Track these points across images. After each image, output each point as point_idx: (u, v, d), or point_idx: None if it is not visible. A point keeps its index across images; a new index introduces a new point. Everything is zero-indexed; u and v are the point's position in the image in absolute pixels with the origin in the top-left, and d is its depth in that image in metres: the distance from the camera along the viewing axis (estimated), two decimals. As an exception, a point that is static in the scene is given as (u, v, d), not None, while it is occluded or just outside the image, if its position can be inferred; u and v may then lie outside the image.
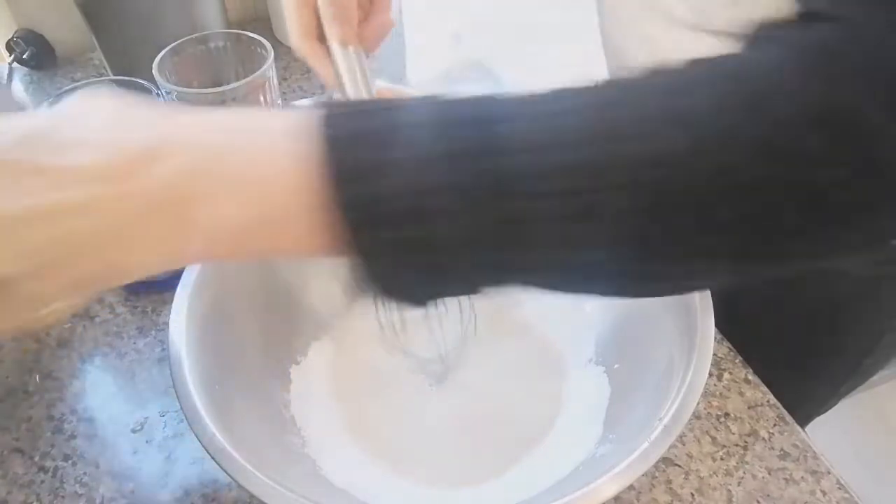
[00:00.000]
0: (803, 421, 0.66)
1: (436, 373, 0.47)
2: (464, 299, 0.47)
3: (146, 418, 0.49)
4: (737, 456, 0.46)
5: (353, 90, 0.39)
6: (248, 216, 0.24)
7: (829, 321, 0.55)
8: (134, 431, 0.49)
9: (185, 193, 0.24)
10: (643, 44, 0.52)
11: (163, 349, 0.54)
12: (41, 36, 0.82)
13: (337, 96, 0.40)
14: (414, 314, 0.47)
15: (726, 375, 0.51)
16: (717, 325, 0.39)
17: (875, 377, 0.64)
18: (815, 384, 0.62)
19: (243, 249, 0.26)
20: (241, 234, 0.25)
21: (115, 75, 0.74)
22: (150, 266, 0.26)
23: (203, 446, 0.34)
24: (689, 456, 0.46)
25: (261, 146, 0.25)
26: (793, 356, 0.59)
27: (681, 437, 0.47)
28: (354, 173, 0.23)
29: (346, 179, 0.23)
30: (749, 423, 0.48)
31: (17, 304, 0.24)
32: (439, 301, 0.28)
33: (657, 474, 0.45)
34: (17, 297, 0.24)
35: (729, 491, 0.45)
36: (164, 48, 0.57)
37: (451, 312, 0.47)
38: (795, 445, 0.47)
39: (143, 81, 0.52)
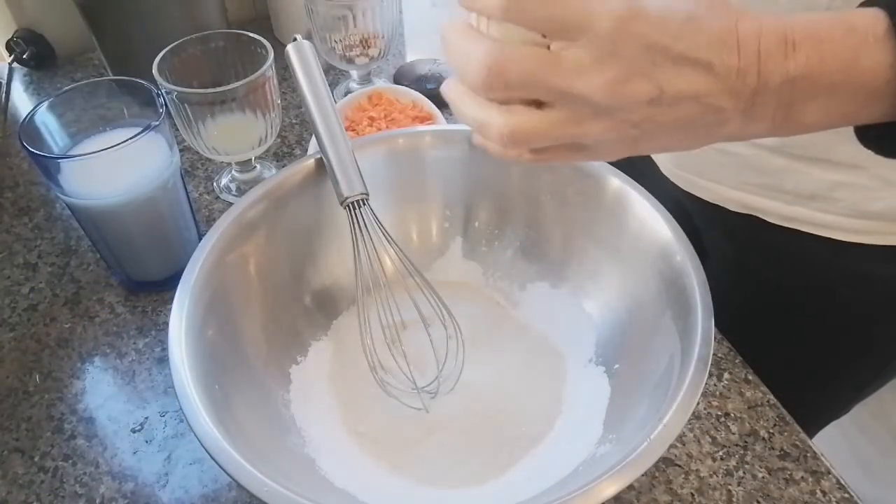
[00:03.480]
0: (821, 425, 0.66)
1: (429, 394, 0.47)
2: (449, 323, 0.47)
3: (146, 418, 0.49)
4: (737, 456, 0.46)
5: None
6: (843, 112, 0.29)
7: (859, 325, 0.55)
8: (134, 431, 0.49)
9: (790, 96, 0.28)
10: None
11: (163, 349, 0.54)
12: (41, 36, 0.82)
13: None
14: (406, 343, 0.48)
15: (726, 375, 0.51)
16: (716, 324, 0.39)
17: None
18: (838, 389, 0.62)
19: (813, 130, 0.30)
20: (826, 125, 0.29)
21: (115, 75, 0.74)
22: (708, 143, 0.31)
23: (203, 446, 0.34)
24: (689, 456, 0.46)
25: (849, 48, 0.27)
26: (816, 361, 0.59)
27: (681, 437, 0.47)
28: None
29: None
30: (749, 423, 0.48)
31: (599, 132, 0.29)
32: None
33: (657, 474, 0.45)
34: (605, 128, 0.29)
35: (729, 491, 0.45)
36: (164, 48, 0.57)
37: (437, 338, 0.47)
38: (795, 445, 0.47)
39: (143, 81, 0.52)
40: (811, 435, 0.49)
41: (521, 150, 0.31)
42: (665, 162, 0.60)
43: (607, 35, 0.26)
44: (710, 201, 0.57)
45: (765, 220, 0.53)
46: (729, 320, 0.50)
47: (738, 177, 0.53)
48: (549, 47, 0.28)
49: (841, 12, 0.29)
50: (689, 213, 0.60)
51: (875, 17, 0.28)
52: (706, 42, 0.27)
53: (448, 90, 0.32)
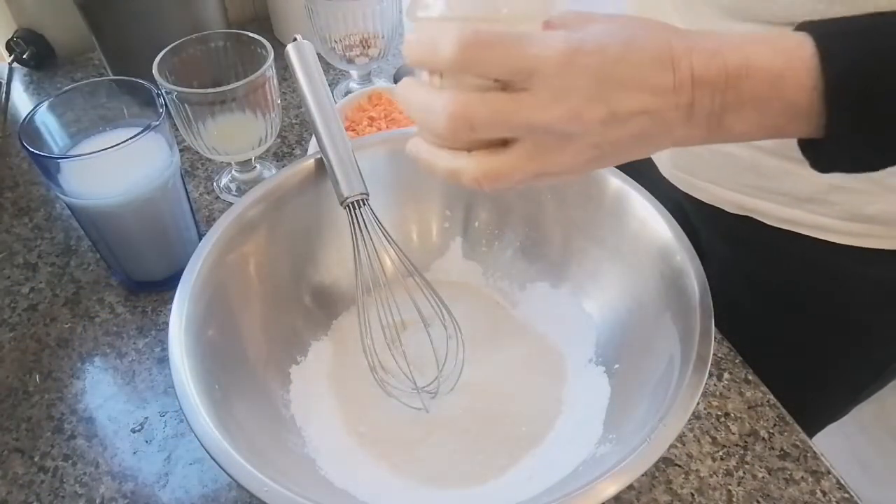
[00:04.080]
0: (820, 426, 0.66)
1: (429, 394, 0.47)
2: (449, 323, 0.47)
3: (146, 418, 0.49)
4: (737, 456, 0.46)
5: None
6: (772, 125, 0.31)
7: (856, 327, 0.55)
8: (134, 431, 0.49)
9: (722, 106, 0.30)
10: None
11: (163, 349, 0.54)
12: (41, 36, 0.82)
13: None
14: (406, 343, 0.48)
15: (726, 375, 0.51)
16: (716, 324, 0.39)
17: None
18: (836, 390, 0.62)
19: (744, 139, 0.33)
20: (757, 135, 0.32)
21: (115, 75, 0.74)
22: (662, 149, 0.33)
23: (203, 446, 0.34)
24: (689, 456, 0.46)
25: (775, 68, 0.30)
26: (815, 362, 0.59)
27: (681, 437, 0.47)
28: (854, 80, 0.29)
29: (845, 86, 0.30)
30: (749, 423, 0.48)
31: (566, 157, 0.31)
32: None
33: (657, 474, 0.45)
34: (571, 152, 0.31)
35: (729, 491, 0.45)
36: (164, 48, 0.57)
37: (437, 338, 0.47)
38: (795, 445, 0.47)
39: (143, 81, 0.52)
40: (811, 435, 0.49)
41: (495, 188, 0.32)
42: (664, 162, 0.60)
43: (555, 73, 0.29)
44: (708, 202, 0.57)
45: (761, 222, 0.53)
46: (729, 320, 0.50)
47: (735, 178, 0.53)
48: (503, 89, 0.30)
49: (772, 34, 0.31)
50: (687, 213, 0.60)
51: (802, 41, 0.30)
52: (644, 63, 0.30)
53: (413, 148, 0.34)
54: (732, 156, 0.52)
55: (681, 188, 0.59)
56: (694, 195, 0.58)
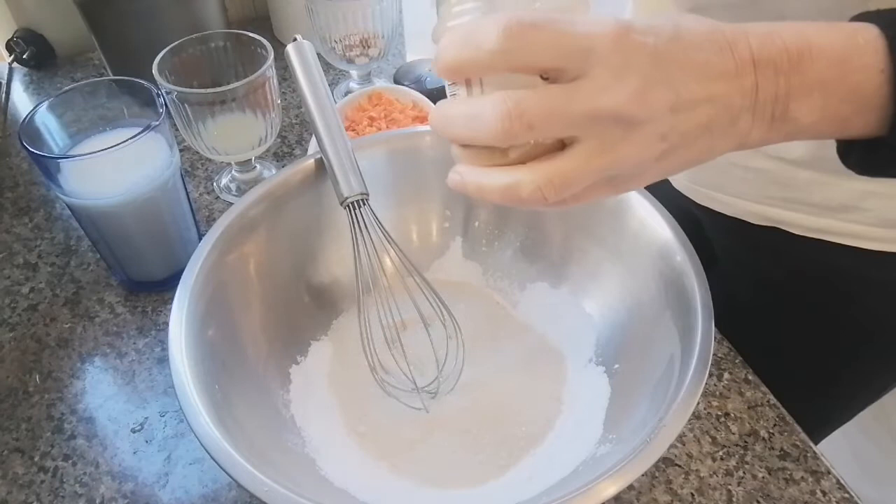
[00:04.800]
0: (827, 432, 0.66)
1: (429, 394, 0.47)
2: (450, 323, 0.47)
3: (146, 418, 0.49)
4: (737, 456, 0.46)
5: None
6: (838, 115, 0.29)
7: (880, 333, 0.55)
8: (134, 431, 0.49)
9: (787, 91, 0.28)
10: None
11: (163, 349, 0.54)
12: (41, 36, 0.82)
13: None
14: (406, 343, 0.48)
15: (726, 375, 0.51)
16: (719, 326, 0.39)
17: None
18: (849, 396, 0.62)
19: (809, 134, 0.30)
20: (821, 128, 0.30)
21: (115, 75, 0.74)
22: (725, 152, 0.30)
23: (203, 446, 0.34)
24: (689, 456, 0.46)
25: (838, 48, 0.28)
26: (829, 369, 0.58)
27: (681, 437, 0.47)
28: None
29: None
30: (749, 423, 0.48)
31: (633, 149, 0.28)
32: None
33: (657, 474, 0.45)
34: (638, 143, 0.27)
35: (729, 491, 0.45)
36: (164, 48, 0.57)
37: (437, 338, 0.47)
38: (795, 445, 0.47)
39: (143, 81, 0.52)
40: (817, 441, 0.49)
41: (561, 198, 0.29)
42: (680, 178, 0.59)
43: (613, 51, 0.26)
44: (729, 214, 0.56)
45: (787, 231, 0.53)
46: (732, 322, 0.50)
47: (761, 191, 0.52)
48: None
49: (827, 21, 0.29)
50: (698, 220, 0.59)
51: (863, 25, 0.28)
52: (701, 45, 0.27)
53: (456, 178, 0.30)
54: (758, 170, 0.51)
55: (696, 200, 0.58)
56: (714, 208, 0.57)
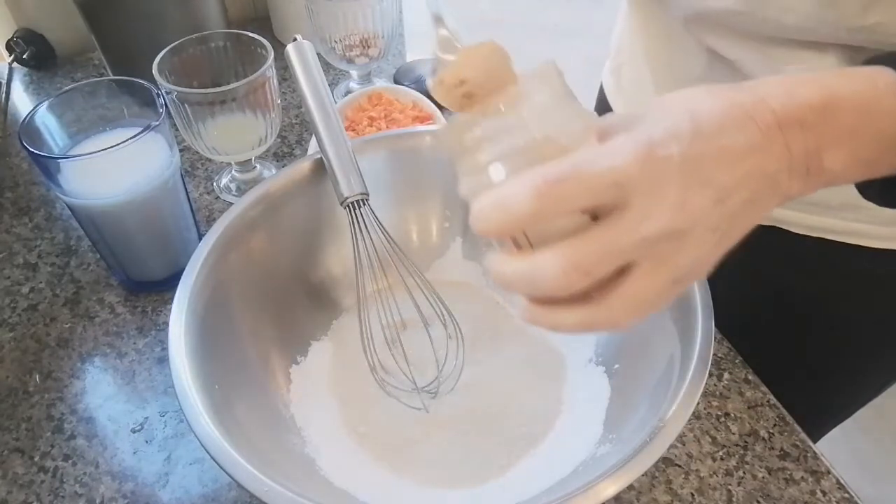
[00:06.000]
0: (825, 430, 0.66)
1: (429, 394, 0.47)
2: (449, 323, 0.47)
3: (146, 418, 0.49)
4: (737, 456, 0.46)
5: None
6: (867, 157, 0.30)
7: (875, 329, 0.55)
8: (134, 431, 0.49)
9: (817, 144, 0.28)
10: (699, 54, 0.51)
11: (163, 349, 0.54)
12: (41, 36, 0.82)
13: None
14: (406, 343, 0.48)
15: (726, 375, 0.51)
16: (717, 325, 0.39)
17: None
18: (847, 393, 0.62)
19: (846, 179, 0.31)
20: (854, 172, 0.30)
21: (115, 75, 0.74)
22: (772, 209, 0.30)
23: (203, 446, 0.34)
24: (689, 456, 0.46)
25: (859, 95, 0.29)
26: (826, 366, 0.58)
27: (681, 437, 0.47)
28: None
29: None
30: (749, 423, 0.48)
31: (690, 254, 0.28)
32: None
33: (657, 474, 0.45)
34: (693, 247, 0.28)
35: (729, 491, 0.45)
36: (164, 48, 0.57)
37: (437, 338, 0.47)
38: (795, 445, 0.47)
39: (143, 81, 0.52)
40: (816, 438, 0.49)
41: (637, 319, 0.29)
42: None
43: (642, 176, 0.26)
44: None
45: (788, 230, 0.53)
46: (732, 322, 0.50)
47: None
48: (593, 218, 0.28)
49: (836, 69, 0.30)
50: None
51: (878, 69, 0.29)
52: (723, 129, 0.27)
53: (529, 316, 0.31)
54: None
55: None
56: None
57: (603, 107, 0.70)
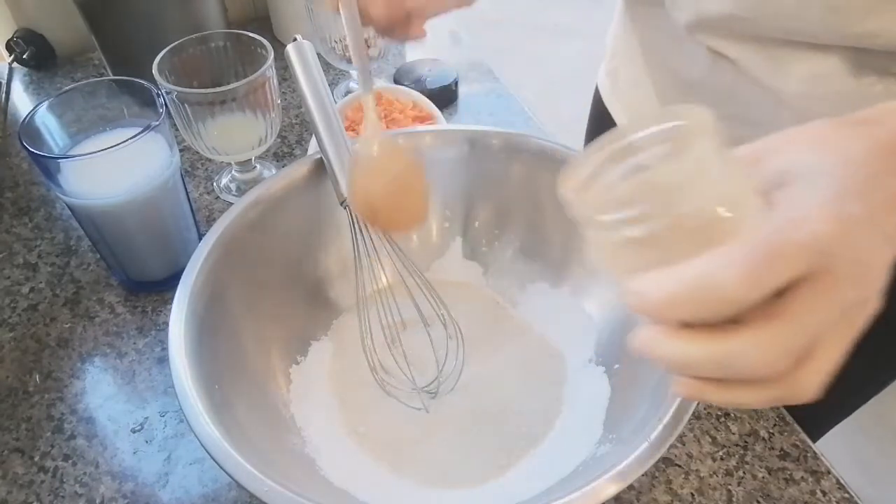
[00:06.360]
0: (825, 430, 0.66)
1: (429, 394, 0.47)
2: (449, 323, 0.47)
3: (146, 418, 0.49)
4: (737, 456, 0.46)
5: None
6: None
7: (865, 335, 0.55)
8: (134, 431, 0.49)
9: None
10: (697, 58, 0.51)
11: (163, 349, 0.54)
12: (41, 36, 0.82)
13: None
14: (406, 343, 0.48)
15: (726, 375, 0.51)
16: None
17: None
18: (846, 392, 0.62)
19: None
20: None
21: (114, 75, 0.74)
22: None
23: (203, 446, 0.34)
24: (689, 456, 0.46)
25: None
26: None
27: (681, 437, 0.47)
28: None
29: None
30: (749, 423, 0.48)
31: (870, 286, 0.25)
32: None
33: (657, 474, 0.45)
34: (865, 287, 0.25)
35: (729, 491, 0.45)
36: (164, 48, 0.57)
37: (437, 338, 0.47)
38: (795, 445, 0.47)
39: (143, 81, 0.52)
40: (817, 438, 0.49)
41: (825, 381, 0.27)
42: None
43: (844, 241, 0.24)
44: None
45: None
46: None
47: None
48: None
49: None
50: None
51: None
52: (877, 174, 0.25)
53: (710, 397, 0.27)
54: None
55: None
56: None
57: (599, 109, 0.70)
